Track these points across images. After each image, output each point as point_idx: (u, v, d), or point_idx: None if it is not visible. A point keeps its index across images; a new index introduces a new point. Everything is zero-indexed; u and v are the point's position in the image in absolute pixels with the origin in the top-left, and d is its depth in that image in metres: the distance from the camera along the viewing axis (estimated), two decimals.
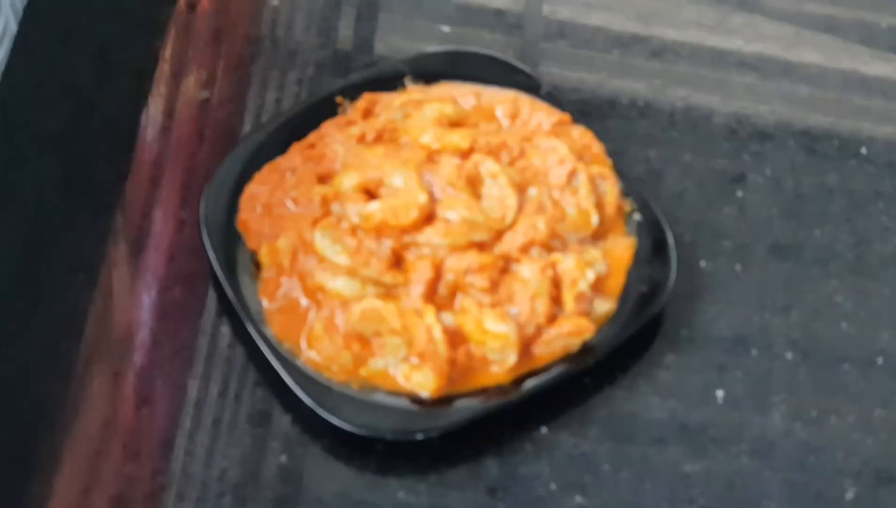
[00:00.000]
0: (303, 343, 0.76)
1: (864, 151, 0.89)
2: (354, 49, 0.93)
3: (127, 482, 0.72)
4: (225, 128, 0.87)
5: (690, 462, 0.74)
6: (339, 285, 0.76)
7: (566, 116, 0.84)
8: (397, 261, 0.77)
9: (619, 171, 0.82)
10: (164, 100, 0.89)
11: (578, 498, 0.73)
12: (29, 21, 0.90)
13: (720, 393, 0.77)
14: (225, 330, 0.78)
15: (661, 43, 0.94)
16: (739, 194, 0.86)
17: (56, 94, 0.88)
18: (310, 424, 0.74)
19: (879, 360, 0.79)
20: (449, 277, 0.76)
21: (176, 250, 0.81)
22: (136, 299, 0.80)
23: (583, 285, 0.76)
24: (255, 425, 0.75)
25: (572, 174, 0.80)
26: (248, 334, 0.76)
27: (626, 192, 0.82)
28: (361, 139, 0.82)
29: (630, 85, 0.91)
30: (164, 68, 0.90)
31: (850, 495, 0.74)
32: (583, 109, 0.87)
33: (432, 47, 0.92)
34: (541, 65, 0.93)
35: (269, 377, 0.76)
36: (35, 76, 0.89)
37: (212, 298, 0.79)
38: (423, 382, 0.74)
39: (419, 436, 0.73)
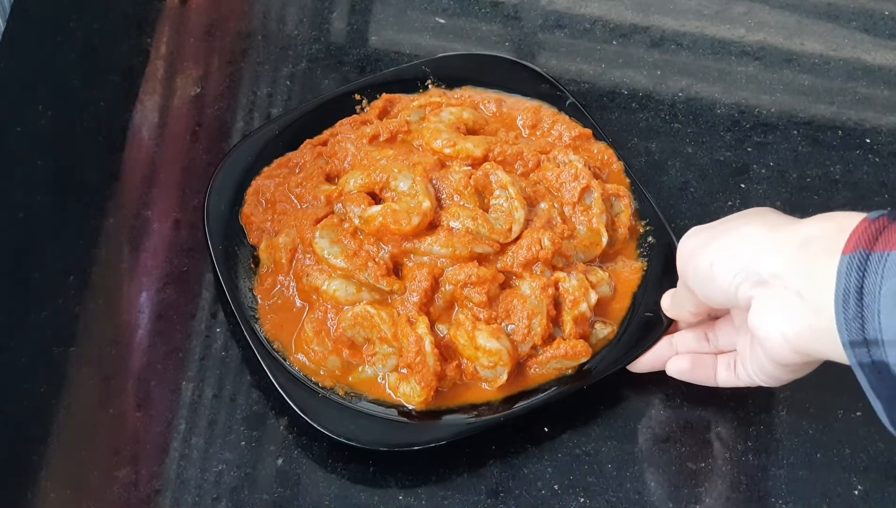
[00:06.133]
0: (293, 344, 0.75)
1: (868, 141, 0.88)
2: (348, 42, 0.92)
3: (121, 487, 0.72)
4: (217, 124, 0.87)
5: (696, 461, 0.74)
6: (334, 287, 0.75)
7: (587, 131, 0.83)
8: (396, 267, 0.76)
9: (639, 190, 0.81)
10: (155, 97, 0.88)
11: (582, 499, 0.72)
12: (17, 19, 0.90)
13: (726, 390, 0.76)
14: (219, 331, 0.77)
15: (661, 33, 0.93)
16: (743, 186, 0.85)
17: (45, 93, 0.87)
18: (307, 426, 0.73)
19: None
20: (446, 288, 0.74)
21: (170, 250, 0.81)
22: (128, 300, 0.79)
23: (584, 307, 0.75)
24: (251, 427, 0.74)
25: (585, 191, 0.78)
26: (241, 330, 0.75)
27: (642, 213, 0.80)
28: (374, 139, 0.81)
29: (630, 76, 0.91)
30: (155, 65, 0.89)
31: (857, 491, 0.73)
32: (582, 100, 0.86)
33: (428, 39, 0.92)
34: (538, 56, 0.92)
35: (264, 378, 0.75)
36: (24, 75, 0.88)
37: (206, 299, 0.79)
38: (410, 394, 0.73)
39: (398, 449, 0.72)
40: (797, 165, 0.86)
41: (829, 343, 0.59)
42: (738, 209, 0.83)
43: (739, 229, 0.66)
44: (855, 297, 0.57)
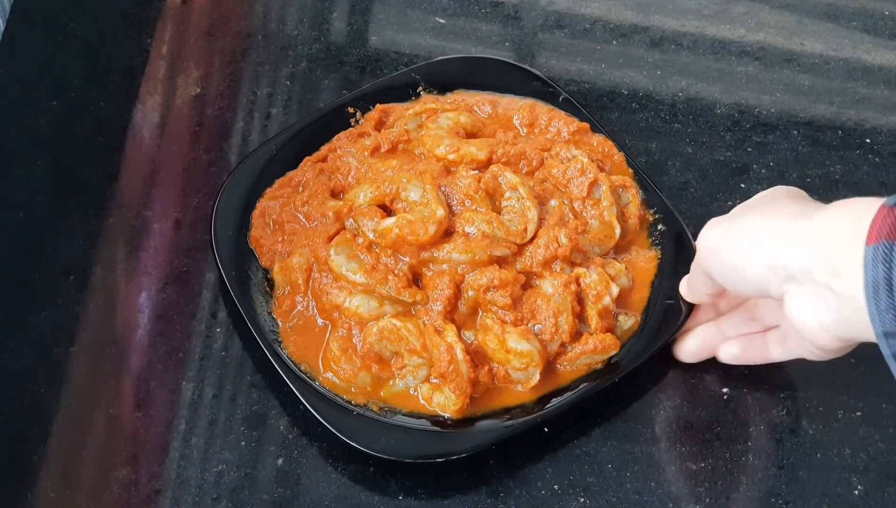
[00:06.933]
0: (320, 364, 0.74)
1: (868, 141, 0.88)
2: (348, 42, 0.92)
3: (121, 486, 0.71)
4: (217, 124, 0.87)
5: (696, 461, 0.74)
6: (355, 303, 0.74)
7: (585, 125, 0.83)
8: (415, 278, 0.75)
9: (643, 180, 0.81)
10: (155, 97, 0.88)
11: (582, 499, 0.72)
12: (17, 19, 0.90)
13: (725, 390, 0.76)
14: (219, 331, 0.77)
15: (661, 33, 0.93)
16: (743, 186, 0.85)
17: (45, 93, 0.87)
18: (307, 426, 0.73)
19: None
20: (469, 293, 0.74)
21: (170, 250, 0.81)
22: (128, 300, 0.79)
23: (607, 300, 0.75)
24: (252, 427, 0.74)
25: (594, 185, 0.78)
26: (264, 355, 0.74)
27: (648, 201, 0.80)
28: (375, 151, 0.81)
29: (630, 76, 0.91)
30: (155, 65, 0.89)
31: (857, 491, 0.73)
32: (582, 100, 0.86)
33: (428, 39, 0.92)
34: (538, 56, 0.92)
35: (264, 378, 0.75)
36: (24, 75, 0.88)
37: (206, 299, 0.79)
38: (445, 403, 0.73)
39: (441, 459, 0.71)
40: (797, 165, 0.86)
41: (868, 330, 0.59)
42: None
43: (760, 224, 0.66)
44: (885, 288, 0.57)
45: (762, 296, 0.66)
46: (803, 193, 0.69)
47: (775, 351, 0.73)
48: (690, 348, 0.75)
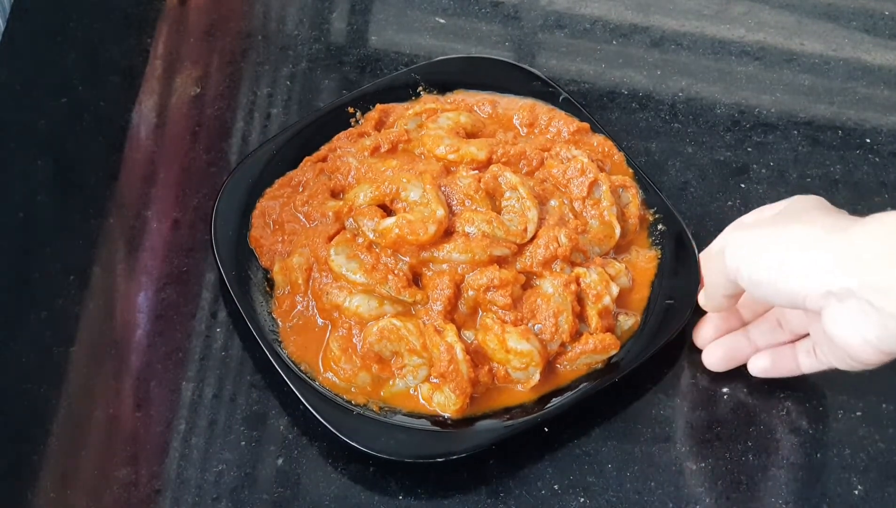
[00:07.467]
0: (320, 364, 0.74)
1: (868, 141, 0.88)
2: (348, 42, 0.92)
3: (121, 486, 0.72)
4: (217, 124, 0.87)
5: (696, 461, 0.74)
6: (355, 303, 0.74)
7: (585, 125, 0.83)
8: (415, 278, 0.75)
9: (643, 180, 0.81)
10: (155, 97, 0.88)
11: (582, 499, 0.72)
12: (17, 19, 0.90)
13: (725, 390, 0.76)
14: (219, 331, 0.77)
15: (661, 33, 0.93)
16: (743, 186, 0.85)
17: (45, 93, 0.87)
18: (307, 426, 0.73)
19: None
20: (469, 293, 0.74)
21: (170, 250, 0.81)
22: (128, 300, 0.79)
23: (607, 300, 0.75)
24: (251, 427, 0.74)
25: (594, 185, 0.78)
26: (264, 355, 0.74)
27: (648, 201, 0.80)
28: (375, 151, 0.81)
29: (630, 76, 0.91)
30: (154, 65, 0.89)
31: (857, 491, 0.73)
32: (582, 100, 0.86)
33: (428, 39, 0.92)
34: (538, 56, 0.92)
35: (264, 378, 0.75)
36: (24, 75, 0.88)
37: (206, 299, 0.79)
38: (445, 403, 0.73)
39: (441, 459, 0.71)
40: (797, 165, 0.86)
41: None
42: (739, 209, 0.83)
43: (795, 236, 0.65)
44: None
45: (795, 308, 0.66)
46: (828, 203, 0.69)
47: (805, 362, 0.72)
48: (717, 356, 0.75)
